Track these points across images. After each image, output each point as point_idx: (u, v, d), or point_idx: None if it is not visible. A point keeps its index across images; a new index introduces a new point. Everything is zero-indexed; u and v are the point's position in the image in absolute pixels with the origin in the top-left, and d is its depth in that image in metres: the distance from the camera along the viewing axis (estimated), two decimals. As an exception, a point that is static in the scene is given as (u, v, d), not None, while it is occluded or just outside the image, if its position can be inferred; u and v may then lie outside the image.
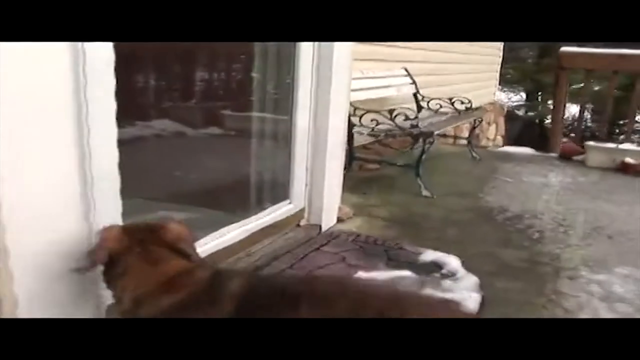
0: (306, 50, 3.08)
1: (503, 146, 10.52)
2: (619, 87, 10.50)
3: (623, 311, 2.73)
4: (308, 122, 3.24)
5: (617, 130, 12.66)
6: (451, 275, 2.95)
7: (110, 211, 1.97)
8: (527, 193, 4.83)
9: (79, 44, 1.70)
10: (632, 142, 6.65)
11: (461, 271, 2.99)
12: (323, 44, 3.12)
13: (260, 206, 3.20)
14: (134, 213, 2.32)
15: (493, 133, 10.18)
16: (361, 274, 2.87)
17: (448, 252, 3.21)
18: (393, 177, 4.99)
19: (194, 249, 1.76)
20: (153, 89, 4.08)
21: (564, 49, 6.79)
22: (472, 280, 2.89)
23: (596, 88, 12.74)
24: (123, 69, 1.98)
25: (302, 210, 3.36)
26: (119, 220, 2.07)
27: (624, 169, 5.90)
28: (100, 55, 1.80)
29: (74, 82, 1.72)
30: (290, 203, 3.26)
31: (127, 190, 2.12)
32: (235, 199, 3.45)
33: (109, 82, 1.87)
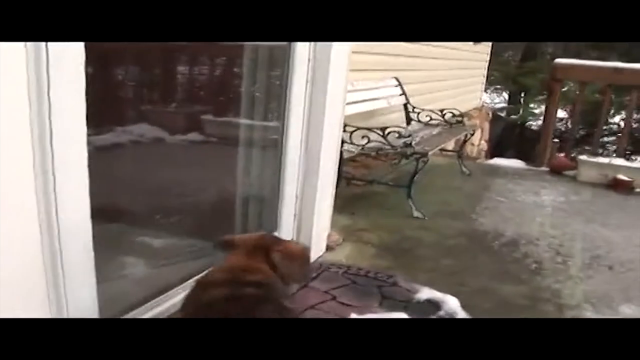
0: (299, 77, 2.86)
1: (487, 151, 10.44)
2: (599, 92, 10.48)
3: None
4: (299, 148, 3.02)
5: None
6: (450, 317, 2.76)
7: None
8: (521, 214, 4.66)
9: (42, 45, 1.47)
10: (624, 157, 6.51)
11: (460, 313, 2.81)
12: (318, 58, 2.89)
13: None
14: (104, 241, 2.11)
15: (478, 138, 10.03)
16: (354, 317, 2.67)
17: (444, 285, 3.04)
18: (382, 193, 4.80)
19: (295, 271, 1.99)
20: (131, 90, 3.86)
21: (559, 60, 6.63)
22: (473, 324, 2.70)
23: (578, 92, 12.67)
24: (98, 69, 1.78)
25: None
26: (92, 276, 1.85)
27: (615, 185, 5.77)
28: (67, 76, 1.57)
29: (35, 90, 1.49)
30: (278, 235, 3.03)
31: (100, 211, 1.98)
32: (219, 228, 3.23)
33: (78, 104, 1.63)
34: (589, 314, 2.97)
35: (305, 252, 2.09)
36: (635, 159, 9.89)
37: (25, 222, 1.52)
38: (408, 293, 2.97)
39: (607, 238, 4.19)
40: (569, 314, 2.95)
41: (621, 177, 5.78)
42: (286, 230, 3.13)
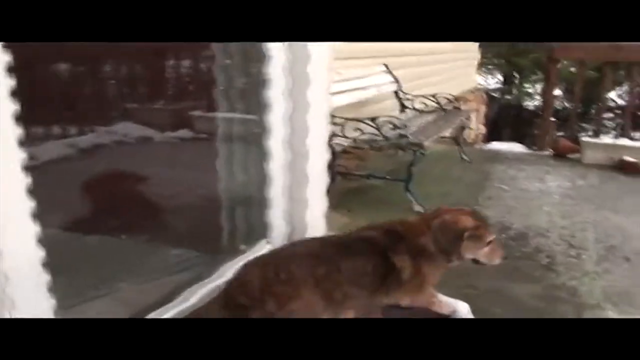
0: (276, 70, 2.59)
1: (485, 134, 10.17)
2: (593, 69, 10.21)
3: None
4: (283, 147, 2.74)
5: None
6: (461, 327, 2.49)
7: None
8: (527, 204, 4.40)
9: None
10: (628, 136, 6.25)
11: (471, 320, 2.54)
12: (295, 50, 2.61)
13: (232, 247, 2.72)
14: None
15: (474, 121, 9.76)
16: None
17: (453, 288, 2.76)
18: (380, 187, 4.53)
19: (445, 242, 2.12)
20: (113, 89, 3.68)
21: (556, 39, 6.33)
22: (487, 335, 2.43)
23: (575, 70, 12.41)
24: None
25: (282, 248, 2.86)
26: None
27: (622, 167, 5.51)
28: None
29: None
30: (268, 243, 2.76)
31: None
32: (202, 235, 2.99)
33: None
34: (611, 313, 2.71)
35: (460, 226, 2.11)
36: (635, 137, 9.65)
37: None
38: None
39: (620, 226, 3.93)
40: (589, 315, 2.69)
41: (628, 158, 5.52)
42: (277, 233, 2.86)
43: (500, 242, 2.25)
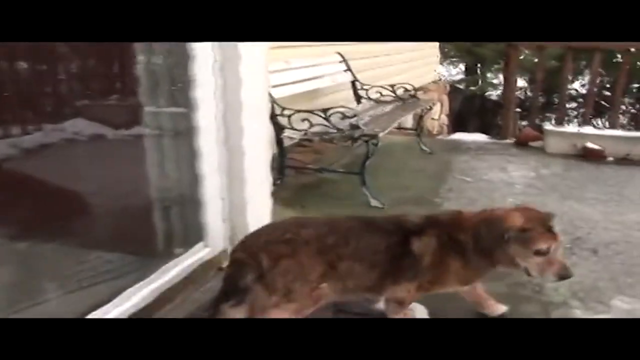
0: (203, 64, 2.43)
1: (449, 125, 10.04)
2: (555, 57, 10.17)
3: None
4: (215, 144, 2.57)
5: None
6: (417, 333, 2.28)
7: None
8: (490, 195, 4.21)
9: None
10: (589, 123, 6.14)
11: (429, 325, 2.33)
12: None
13: (169, 252, 2.53)
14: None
15: (437, 112, 9.62)
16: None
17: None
18: (336, 181, 4.30)
19: (484, 237, 2.00)
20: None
21: (514, 25, 6.18)
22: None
23: (536, 60, 12.39)
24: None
25: (224, 252, 2.63)
26: None
27: (586, 155, 5.39)
28: None
29: None
30: (206, 246, 2.53)
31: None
32: (137, 239, 2.75)
33: None
34: (579, 312, 2.52)
35: (504, 224, 1.95)
36: (598, 124, 9.65)
37: None
38: (366, 302, 2.47)
39: (585, 216, 3.77)
40: (555, 314, 2.50)
41: (591, 145, 5.39)
42: (216, 236, 2.63)
43: (563, 258, 1.97)
